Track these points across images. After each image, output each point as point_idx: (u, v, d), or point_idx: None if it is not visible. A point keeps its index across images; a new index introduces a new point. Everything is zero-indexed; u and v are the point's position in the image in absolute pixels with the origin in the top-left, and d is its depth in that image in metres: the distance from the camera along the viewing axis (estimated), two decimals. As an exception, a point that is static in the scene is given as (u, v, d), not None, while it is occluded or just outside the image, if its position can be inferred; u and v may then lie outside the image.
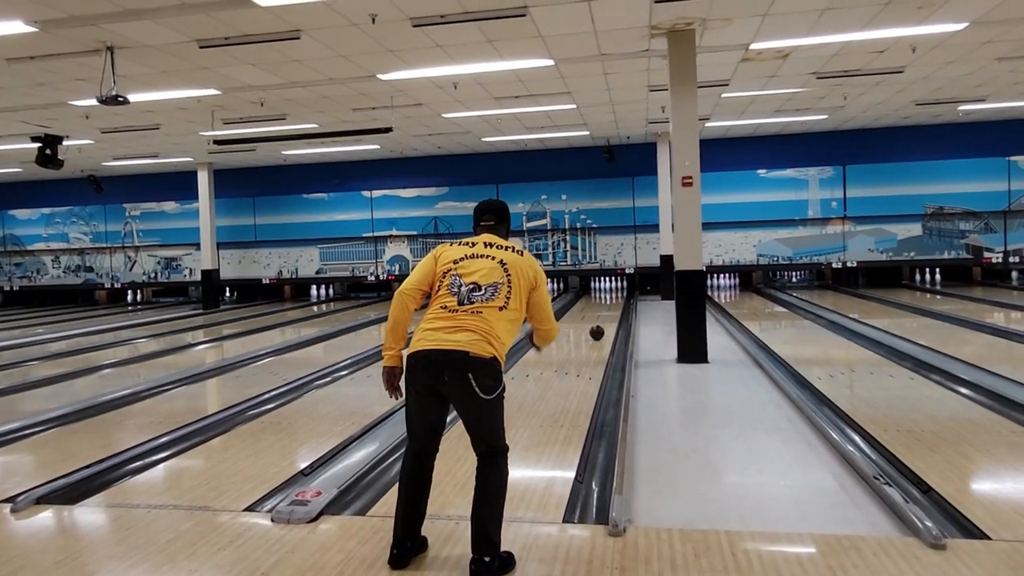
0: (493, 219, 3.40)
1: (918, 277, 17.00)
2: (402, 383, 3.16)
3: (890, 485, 3.80)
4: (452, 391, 2.98)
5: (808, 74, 10.35)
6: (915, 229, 15.88)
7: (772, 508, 3.70)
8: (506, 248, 3.23)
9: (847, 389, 6.36)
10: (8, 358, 9.96)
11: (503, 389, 3.04)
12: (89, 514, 3.97)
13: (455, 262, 3.14)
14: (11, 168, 16.57)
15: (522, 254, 3.23)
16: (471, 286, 3.06)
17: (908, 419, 5.20)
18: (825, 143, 16.13)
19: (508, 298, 3.08)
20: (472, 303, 3.03)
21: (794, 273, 17.57)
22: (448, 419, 3.22)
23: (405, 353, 3.09)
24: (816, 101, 12.47)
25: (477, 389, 2.93)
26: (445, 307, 3.05)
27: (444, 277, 3.13)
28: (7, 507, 4.05)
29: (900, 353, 7.79)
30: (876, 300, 13.46)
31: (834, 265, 16.25)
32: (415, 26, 7.32)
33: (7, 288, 20.13)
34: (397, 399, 3.18)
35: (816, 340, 9.30)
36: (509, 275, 3.11)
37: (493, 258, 3.15)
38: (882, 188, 15.90)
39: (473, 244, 3.23)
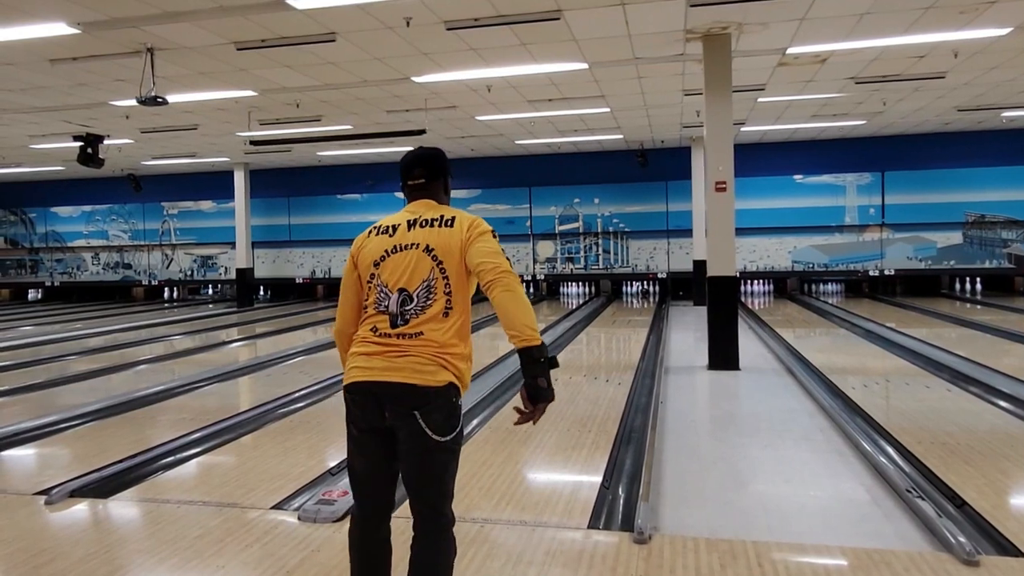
0: (424, 174, 2.58)
1: (958, 286, 16.64)
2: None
3: (923, 499, 3.72)
4: (395, 432, 2.33)
5: (846, 79, 10.20)
6: (955, 237, 15.55)
7: (800, 519, 3.64)
8: (434, 221, 2.46)
9: (882, 399, 6.24)
10: (47, 352, 10.18)
11: (460, 432, 2.37)
12: (121, 508, 4.04)
13: (376, 264, 2.46)
14: (53, 167, 16.96)
15: (453, 222, 2.44)
16: (400, 296, 2.39)
17: (943, 431, 5.09)
18: (863, 149, 15.87)
19: (448, 296, 2.37)
20: (407, 321, 2.35)
21: (830, 282, 17.26)
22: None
23: (344, 380, 2.50)
24: (854, 106, 12.28)
25: (428, 429, 2.27)
26: (376, 330, 2.39)
27: (369, 287, 2.47)
28: (42, 499, 4.13)
29: (937, 364, 7.63)
30: (914, 309, 13.20)
31: (871, 273, 15.98)
32: (449, 29, 7.35)
33: (48, 284, 20.59)
34: None
35: (851, 349, 9.14)
36: (441, 262, 2.39)
37: (417, 245, 2.42)
38: (922, 195, 15.60)
39: (394, 229, 2.49)
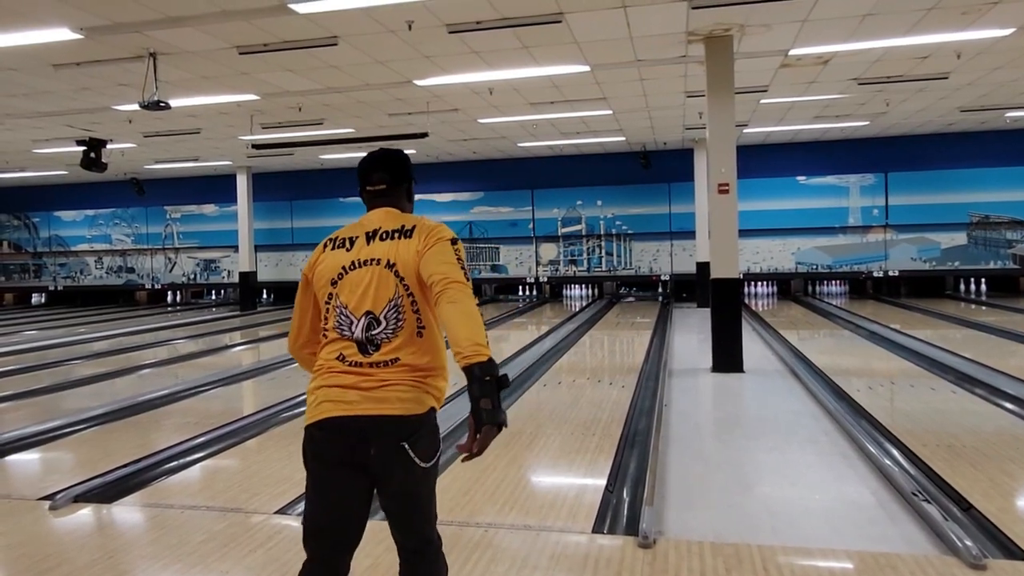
0: (385, 180, 2.33)
1: (962, 287, 16.60)
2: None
3: (929, 502, 3.70)
4: (381, 468, 2.11)
5: (849, 80, 10.18)
6: (960, 238, 15.52)
7: (806, 523, 3.63)
8: (395, 233, 2.23)
9: (887, 402, 6.23)
10: (52, 357, 10.19)
11: (440, 452, 2.22)
12: (125, 513, 4.04)
13: (333, 283, 2.22)
14: (57, 171, 16.99)
15: (412, 232, 2.21)
16: (366, 319, 2.16)
17: (949, 434, 5.07)
18: (866, 149, 15.85)
19: (418, 314, 2.17)
20: (379, 346, 2.14)
21: (834, 283, 17.22)
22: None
23: (308, 418, 2.19)
24: (857, 107, 12.26)
25: (417, 459, 2.10)
26: (344, 358, 2.16)
27: (327, 308, 2.23)
28: (46, 504, 4.13)
29: (942, 365, 7.61)
30: (918, 310, 13.17)
31: (875, 274, 15.95)
32: (451, 32, 7.35)
33: (52, 288, 20.63)
34: None
35: (856, 351, 9.12)
36: (403, 279, 2.17)
37: (378, 261, 2.19)
38: (925, 196, 15.57)
39: (352, 242, 2.25)
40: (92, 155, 11.84)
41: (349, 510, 2.16)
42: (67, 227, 20.38)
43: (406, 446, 2.09)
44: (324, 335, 2.25)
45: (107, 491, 4.33)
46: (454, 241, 2.21)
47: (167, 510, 4.00)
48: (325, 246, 2.31)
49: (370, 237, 2.25)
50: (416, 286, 2.18)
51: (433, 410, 2.20)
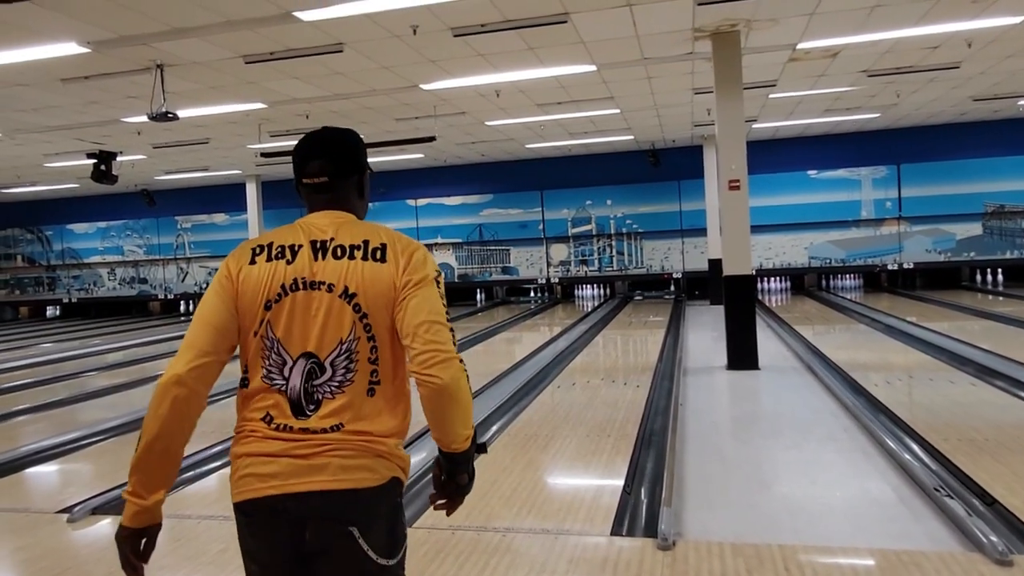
0: (327, 169, 1.75)
1: (979, 278, 16.43)
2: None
3: (952, 497, 3.65)
4: (322, 565, 1.61)
5: (858, 72, 10.10)
6: (975, 228, 15.37)
7: (827, 521, 3.59)
8: (355, 250, 1.67)
9: (905, 396, 6.16)
10: (67, 369, 10.24)
11: (406, 546, 1.70)
12: (142, 524, 4.03)
13: (267, 306, 1.64)
14: (68, 184, 17.10)
15: (383, 253, 1.67)
16: (306, 364, 1.63)
17: (970, 427, 5.01)
18: (878, 142, 15.72)
19: (375, 364, 1.64)
20: (318, 404, 1.61)
21: (848, 277, 17.07)
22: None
23: (232, 496, 1.69)
24: (867, 99, 12.17)
25: (371, 552, 1.59)
26: (271, 419, 1.63)
27: (253, 339, 1.66)
28: (64, 517, 4.14)
29: (961, 358, 7.53)
30: (935, 302, 13.05)
31: (890, 267, 15.81)
32: (456, 36, 7.33)
33: (66, 300, 20.76)
34: None
35: (872, 345, 9.04)
36: (366, 316, 1.63)
37: (332, 287, 1.63)
38: (939, 187, 15.42)
39: (294, 253, 1.67)
40: (102, 168, 11.92)
41: None
42: (80, 239, 20.51)
43: (355, 532, 1.56)
44: (243, 381, 1.70)
45: (120, 502, 4.33)
46: (439, 277, 1.70)
47: (184, 520, 3.99)
48: (255, 253, 1.69)
49: (319, 248, 1.67)
50: (382, 327, 1.64)
51: (396, 483, 1.65)
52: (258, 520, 1.63)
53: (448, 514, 1.77)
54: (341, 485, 1.57)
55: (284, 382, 1.64)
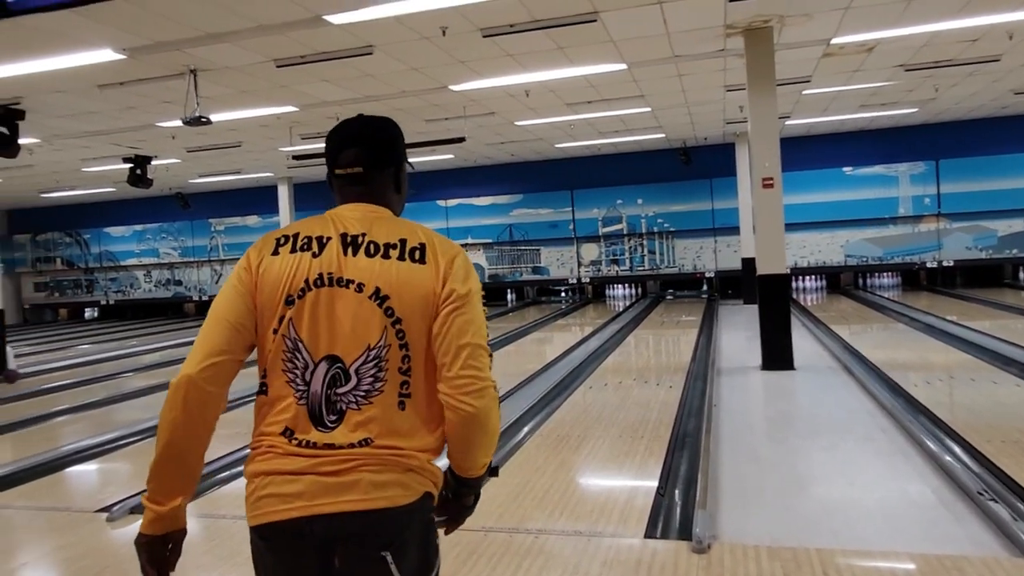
0: (363, 160, 1.65)
1: (1021, 275, 16.05)
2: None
3: (996, 501, 3.56)
4: None
5: (895, 67, 9.92)
6: (1017, 225, 14.98)
7: (866, 524, 3.52)
8: (390, 249, 1.54)
9: (946, 396, 6.03)
10: (105, 370, 10.43)
11: (438, 563, 1.57)
12: (178, 524, 4.08)
13: (289, 300, 1.51)
14: (105, 188, 17.42)
15: (422, 254, 1.55)
16: (330, 369, 1.49)
17: (1015, 428, 4.88)
18: (915, 137, 15.40)
19: (407, 376, 1.51)
20: (340, 415, 1.48)
21: (886, 275, 16.73)
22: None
23: (248, 519, 1.53)
24: (904, 94, 11.94)
25: None
26: (290, 434, 1.49)
27: (274, 339, 1.52)
28: (103, 516, 4.21)
29: (1004, 357, 7.34)
30: (976, 301, 12.77)
31: (929, 264, 15.49)
32: (485, 36, 7.33)
33: (103, 302, 21.15)
34: None
35: (911, 344, 8.86)
36: (399, 322, 1.50)
37: (362, 286, 1.50)
38: (980, 183, 15.05)
39: (321, 245, 1.54)
40: (138, 172, 12.14)
41: None
42: (116, 242, 20.87)
43: (388, 557, 1.44)
44: (262, 387, 1.54)
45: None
46: (480, 291, 1.59)
47: (219, 520, 4.03)
48: (278, 243, 1.56)
49: (349, 243, 1.54)
50: (417, 335, 1.50)
51: (429, 498, 1.53)
52: (280, 545, 1.47)
53: (447, 532, 1.69)
54: (373, 504, 1.44)
55: (305, 388, 1.49)
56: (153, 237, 20.59)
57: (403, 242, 1.55)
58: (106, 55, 7.20)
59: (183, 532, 1.59)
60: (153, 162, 12.68)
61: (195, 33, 6.82)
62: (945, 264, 15.33)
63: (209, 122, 8.52)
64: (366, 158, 1.65)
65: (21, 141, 9.24)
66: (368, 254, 1.53)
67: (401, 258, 1.53)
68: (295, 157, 13.37)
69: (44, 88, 8.39)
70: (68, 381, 9.49)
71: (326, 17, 6.51)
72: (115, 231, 20.79)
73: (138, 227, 20.62)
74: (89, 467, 5.50)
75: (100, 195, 18.84)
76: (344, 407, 1.48)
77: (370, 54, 7.71)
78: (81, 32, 6.59)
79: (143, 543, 1.56)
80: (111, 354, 12.30)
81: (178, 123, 9.29)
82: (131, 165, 12.19)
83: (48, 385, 9.29)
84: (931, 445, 4.53)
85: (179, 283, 20.49)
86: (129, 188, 13.16)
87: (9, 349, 10.26)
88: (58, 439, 6.40)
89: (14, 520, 4.36)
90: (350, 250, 1.53)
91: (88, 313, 21.81)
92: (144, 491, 1.58)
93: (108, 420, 7.03)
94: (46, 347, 14.18)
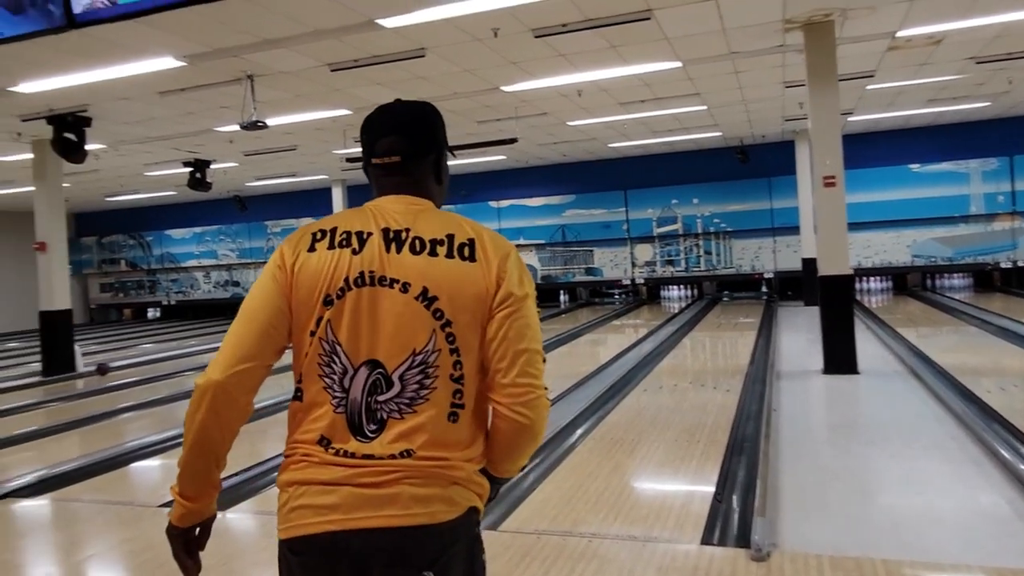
0: (401, 148, 1.52)
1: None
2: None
3: (1079, 513, 3.36)
4: None
5: (965, 59, 9.54)
6: (1099, 223, 14.29)
7: (935, 535, 3.37)
8: (437, 245, 1.43)
9: (1022, 403, 5.75)
10: (166, 369, 10.70)
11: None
12: (237, 521, 4.15)
13: (327, 301, 1.40)
14: (166, 192, 17.94)
15: (471, 250, 1.43)
16: (369, 374, 1.39)
17: (1096, 437, 4.63)
18: (988, 132, 14.78)
19: (460, 384, 1.40)
20: (382, 427, 1.38)
21: (956, 276, 16.09)
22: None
23: (279, 531, 1.45)
24: (975, 88, 11.49)
25: None
26: (327, 443, 1.40)
27: (311, 341, 1.42)
28: (166, 511, 4.26)
29: (1082, 362, 7.00)
30: (1050, 302, 12.22)
31: (1003, 265, 14.84)
32: (537, 37, 7.29)
33: (165, 302, 21.77)
34: None
35: (984, 348, 8.50)
36: (449, 324, 1.39)
37: (408, 286, 1.39)
38: (1057, 179, 14.39)
39: (362, 241, 1.43)
40: (197, 175, 12.47)
41: None
42: (177, 244, 21.45)
43: None
44: (297, 393, 1.46)
45: (220, 498, 4.35)
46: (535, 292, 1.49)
47: (275, 517, 4.06)
48: (314, 238, 1.46)
49: (391, 240, 1.43)
50: (469, 338, 1.40)
51: (475, 512, 1.43)
52: (312, 561, 1.37)
53: None
54: (415, 520, 1.34)
55: (344, 395, 1.39)
56: (212, 239, 21.10)
57: (450, 238, 1.43)
58: (167, 63, 7.39)
59: (214, 517, 1.58)
60: (211, 166, 13.01)
61: (252, 39, 6.94)
62: (1021, 264, 14.67)
63: (265, 126, 8.68)
64: (405, 146, 1.53)
65: (88, 147, 9.58)
66: (413, 251, 1.42)
67: (449, 255, 1.42)
68: (348, 160, 13.58)
69: (109, 96, 8.65)
70: (133, 379, 9.77)
71: (379, 21, 6.55)
72: (176, 233, 21.37)
73: (197, 229, 21.16)
74: (152, 463, 5.63)
75: (161, 198, 19.39)
76: (385, 416, 1.38)
77: (422, 57, 7.74)
78: (144, 41, 6.76)
79: (176, 534, 1.52)
80: (172, 353, 12.63)
81: (235, 128, 9.49)
82: (191, 169, 12.53)
83: (113, 383, 9.58)
84: (1005, 454, 4.32)
85: (236, 284, 20.95)
86: (189, 191, 13.53)
87: (77, 348, 10.62)
88: (122, 435, 6.58)
89: (81, 513, 4.48)
90: (393, 246, 1.42)
91: (151, 313, 22.46)
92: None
93: (170, 417, 7.20)
94: (111, 346, 14.64)
